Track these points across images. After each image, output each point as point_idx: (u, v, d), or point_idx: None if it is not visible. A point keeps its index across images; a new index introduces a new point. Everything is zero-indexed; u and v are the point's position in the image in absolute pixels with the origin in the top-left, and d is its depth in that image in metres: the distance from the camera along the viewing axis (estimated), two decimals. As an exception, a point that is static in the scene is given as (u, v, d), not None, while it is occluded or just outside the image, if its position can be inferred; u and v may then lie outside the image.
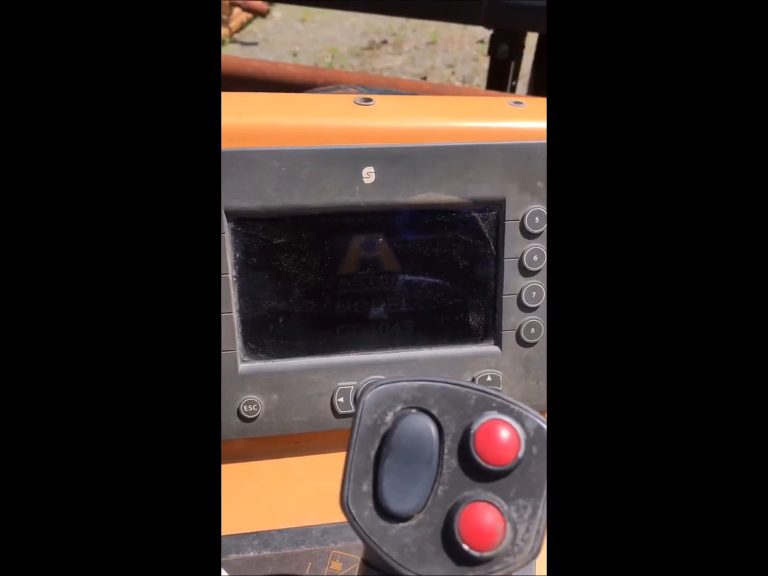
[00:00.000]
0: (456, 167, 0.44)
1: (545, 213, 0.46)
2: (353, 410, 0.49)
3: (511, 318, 0.48)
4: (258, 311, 0.46)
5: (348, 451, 0.25)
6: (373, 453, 0.25)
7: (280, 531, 0.45)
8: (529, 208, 0.45)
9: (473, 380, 0.49)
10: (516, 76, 1.44)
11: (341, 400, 0.47)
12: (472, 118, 0.46)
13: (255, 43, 3.73)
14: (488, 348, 0.49)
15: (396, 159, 0.43)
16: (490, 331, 0.49)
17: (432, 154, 0.43)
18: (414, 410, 0.25)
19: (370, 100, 0.47)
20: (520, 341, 0.48)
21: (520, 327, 0.48)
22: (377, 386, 0.25)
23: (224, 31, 3.56)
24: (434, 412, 0.25)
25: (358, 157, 0.43)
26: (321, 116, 0.45)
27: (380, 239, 0.46)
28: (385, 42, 3.82)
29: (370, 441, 0.25)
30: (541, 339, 0.48)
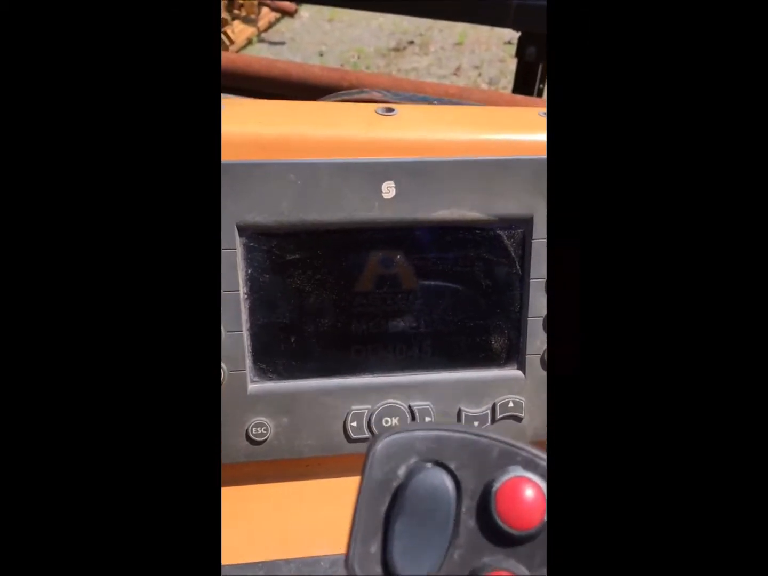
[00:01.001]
0: (481, 182, 0.41)
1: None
2: (367, 435, 0.47)
3: (537, 341, 0.45)
4: (269, 330, 0.44)
5: (355, 506, 0.23)
6: (383, 510, 0.23)
7: (286, 561, 0.43)
8: None
9: (494, 407, 0.46)
10: (544, 79, 1.41)
11: (354, 424, 0.45)
12: (498, 131, 0.43)
13: (282, 43, 3.74)
14: (511, 372, 0.46)
15: (417, 173, 0.41)
16: (514, 354, 0.46)
17: (456, 168, 0.41)
18: (430, 464, 0.23)
19: (392, 110, 0.44)
20: (545, 366, 0.46)
21: (545, 351, 0.45)
22: (389, 436, 0.23)
23: (252, 30, 3.57)
24: (452, 466, 0.22)
25: (378, 171, 0.41)
26: (340, 127, 0.42)
27: (399, 256, 0.43)
28: (411, 42, 3.79)
29: (381, 497, 0.23)
30: (568, 364, 0.46)
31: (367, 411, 0.45)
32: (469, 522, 0.22)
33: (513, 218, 0.43)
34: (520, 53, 1.48)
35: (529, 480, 0.22)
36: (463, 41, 3.77)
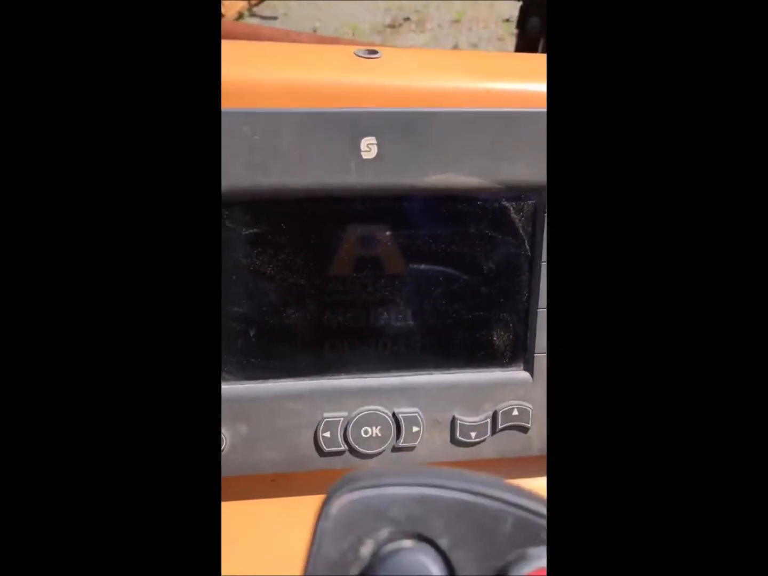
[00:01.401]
0: (484, 141, 0.33)
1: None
2: (342, 448, 0.39)
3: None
4: (224, 321, 0.36)
5: None
6: None
7: None
8: None
9: (495, 415, 0.38)
10: (547, 55, 1.32)
11: (327, 434, 0.37)
12: (507, 78, 0.35)
13: (275, 17, 3.62)
14: (516, 374, 0.38)
15: (406, 128, 0.33)
16: (520, 353, 0.38)
17: (453, 122, 0.33)
18: (409, 540, 0.15)
19: (375, 52, 0.36)
20: None
21: None
22: (349, 491, 0.15)
23: (243, 3, 3.45)
24: (442, 543, 0.15)
25: (356, 124, 0.33)
26: (311, 70, 0.34)
27: (382, 232, 0.35)
28: (407, 19, 3.68)
29: None
30: (584, 364, 0.38)
31: (342, 419, 0.37)
32: None
33: (522, 186, 0.35)
34: (521, 25, 1.39)
35: None
36: (460, 18, 3.66)
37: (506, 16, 3.49)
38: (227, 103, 0.33)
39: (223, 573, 0.37)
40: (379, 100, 0.33)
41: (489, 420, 0.38)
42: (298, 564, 0.36)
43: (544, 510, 0.15)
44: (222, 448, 0.37)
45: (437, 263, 0.36)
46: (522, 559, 0.14)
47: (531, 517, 0.15)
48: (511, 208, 0.36)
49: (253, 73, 0.34)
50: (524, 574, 0.14)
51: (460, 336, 0.38)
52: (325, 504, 0.16)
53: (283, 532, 0.39)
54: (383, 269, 0.36)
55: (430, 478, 0.15)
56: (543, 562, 0.14)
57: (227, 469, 0.37)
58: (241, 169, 0.33)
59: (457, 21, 3.67)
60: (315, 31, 3.50)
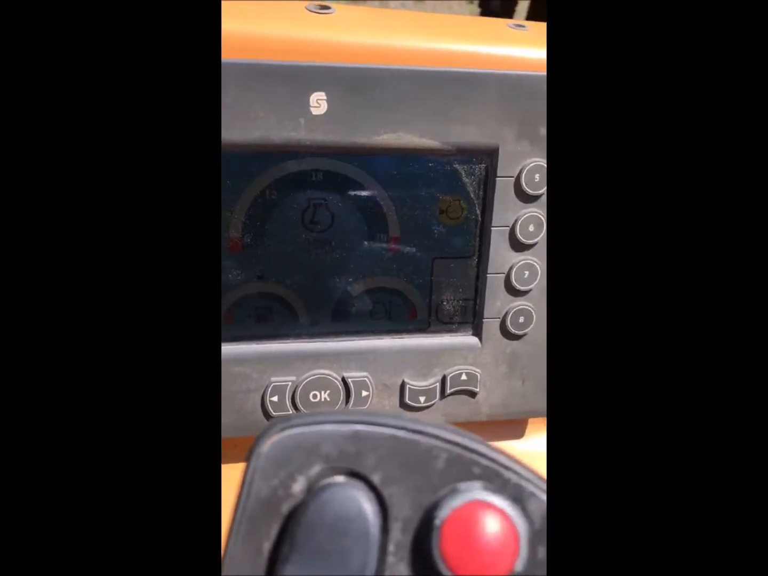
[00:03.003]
0: (437, 101, 0.33)
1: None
2: (289, 412, 0.39)
3: (497, 303, 0.38)
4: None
5: (228, 536, 0.15)
6: (267, 546, 0.14)
7: None
8: (528, 162, 0.35)
9: (444, 379, 0.38)
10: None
11: (275, 399, 0.37)
12: (461, 40, 0.35)
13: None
14: (465, 339, 0.39)
15: (357, 84, 0.32)
16: (468, 318, 0.39)
17: (406, 80, 0.32)
18: (341, 476, 0.15)
19: (327, 8, 0.35)
20: (506, 332, 0.38)
21: (506, 314, 0.38)
22: (281, 429, 0.15)
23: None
24: (375, 479, 0.14)
25: (306, 78, 0.32)
26: (258, 22, 0.33)
27: (329, 191, 0.35)
28: (370, -5, 3.63)
29: (264, 525, 0.15)
30: (532, 330, 0.38)
31: (290, 383, 0.37)
32: (398, 567, 0.14)
33: (474, 148, 0.34)
34: (483, 4, 1.38)
35: (493, 506, 0.14)
36: (423, -3, 3.62)
37: (469, -3, 3.48)
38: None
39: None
40: (331, 56, 0.32)
41: (438, 384, 0.38)
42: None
43: (478, 446, 0.15)
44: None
45: (385, 225, 0.36)
46: (454, 493, 0.14)
47: (464, 453, 0.15)
48: (462, 171, 0.35)
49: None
50: (456, 506, 0.14)
51: (408, 300, 0.38)
52: (255, 443, 0.15)
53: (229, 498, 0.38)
54: (330, 230, 0.36)
55: (363, 416, 0.15)
56: (474, 495, 0.14)
57: (170, 433, 0.36)
58: None
59: None
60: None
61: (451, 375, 0.38)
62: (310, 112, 0.32)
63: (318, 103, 0.32)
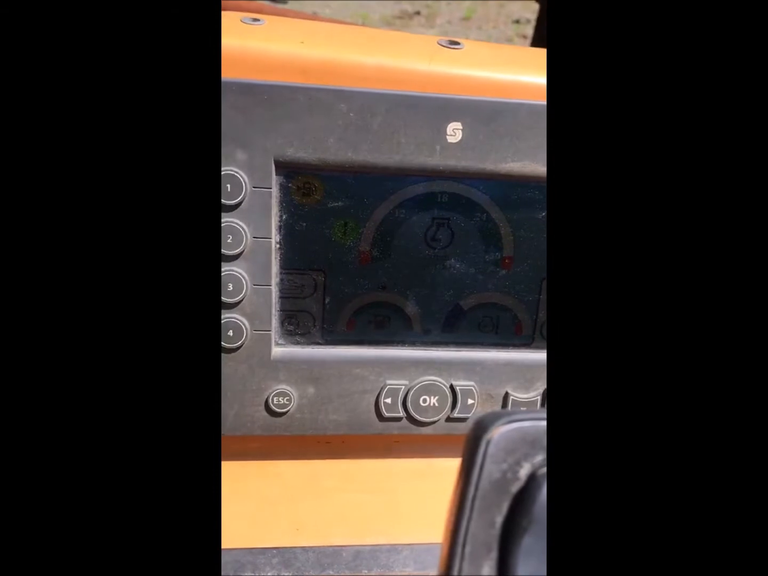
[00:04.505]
0: None
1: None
2: (400, 414, 0.42)
3: None
4: (303, 289, 0.38)
5: (457, 511, 0.18)
6: (499, 520, 0.17)
7: (304, 549, 0.38)
8: None
9: (545, 393, 0.41)
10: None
11: (388, 400, 0.40)
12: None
13: (284, 1, 3.61)
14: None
15: (490, 116, 0.35)
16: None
17: (536, 114, 0.35)
18: None
19: (457, 43, 0.38)
20: None
21: None
22: (506, 422, 0.18)
23: (252, -14, 3.43)
24: None
25: (445, 109, 0.35)
26: (400, 56, 0.36)
27: (455, 213, 0.38)
28: (418, 13, 3.69)
29: (496, 503, 0.17)
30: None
31: (403, 387, 0.40)
32: None
33: None
34: (538, 30, 1.39)
35: None
36: (470, 16, 3.67)
37: (515, 17, 3.51)
38: (324, 81, 0.35)
39: (279, 529, 0.39)
40: (467, 89, 0.35)
41: (539, 398, 0.41)
42: (349, 523, 0.38)
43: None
44: (289, 407, 0.39)
45: (503, 247, 0.39)
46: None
47: None
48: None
49: (348, 54, 0.35)
50: None
51: (517, 317, 0.40)
52: (479, 431, 0.18)
53: (339, 491, 0.41)
54: (452, 248, 0.38)
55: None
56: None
57: (294, 428, 0.39)
58: (333, 144, 0.35)
59: (466, 18, 3.68)
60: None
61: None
62: (446, 140, 0.35)
63: (454, 132, 0.35)
